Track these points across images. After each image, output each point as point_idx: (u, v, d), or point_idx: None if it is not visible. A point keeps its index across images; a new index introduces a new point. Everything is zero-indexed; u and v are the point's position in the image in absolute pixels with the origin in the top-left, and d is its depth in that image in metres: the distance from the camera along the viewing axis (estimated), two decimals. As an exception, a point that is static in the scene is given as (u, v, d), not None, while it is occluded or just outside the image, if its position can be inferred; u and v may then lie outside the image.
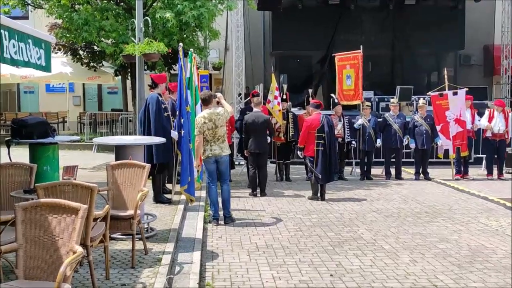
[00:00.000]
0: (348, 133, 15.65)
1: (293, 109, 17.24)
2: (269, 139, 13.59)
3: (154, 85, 11.17)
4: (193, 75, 10.38)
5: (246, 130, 13.13)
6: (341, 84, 17.34)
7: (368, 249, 8.56)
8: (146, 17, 14.77)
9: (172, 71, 21.34)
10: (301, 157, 13.22)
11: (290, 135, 15.09)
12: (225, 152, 10.13)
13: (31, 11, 20.49)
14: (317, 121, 12.40)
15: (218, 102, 10.89)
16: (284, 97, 15.62)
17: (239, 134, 15.29)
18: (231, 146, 12.58)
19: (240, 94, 20.38)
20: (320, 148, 12.40)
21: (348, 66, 17.02)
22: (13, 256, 4.90)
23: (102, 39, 17.45)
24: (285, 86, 17.94)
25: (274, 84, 15.37)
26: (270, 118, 14.02)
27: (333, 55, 18.42)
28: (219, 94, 10.90)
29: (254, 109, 13.29)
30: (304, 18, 24.92)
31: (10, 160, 8.33)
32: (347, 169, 16.63)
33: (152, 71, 19.26)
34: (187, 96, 9.85)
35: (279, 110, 15.10)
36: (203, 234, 9.28)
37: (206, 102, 10.14)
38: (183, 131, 9.74)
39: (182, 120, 9.79)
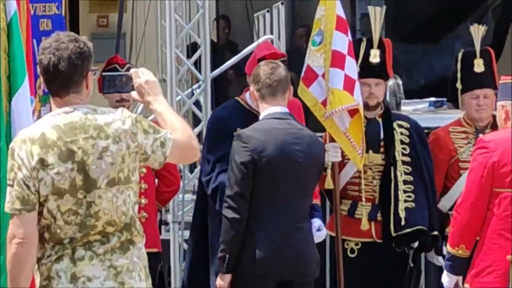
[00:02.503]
0: None
1: (407, 107, 7.66)
2: (320, 231, 4.56)
3: None
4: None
5: (247, 184, 4.11)
6: None
7: None
8: None
9: None
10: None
11: (401, 211, 4.77)
12: (137, 284, 3.06)
13: None
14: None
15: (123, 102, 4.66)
16: (375, 60, 4.89)
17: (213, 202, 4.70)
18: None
19: (194, 48, 7.15)
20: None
21: None
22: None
23: None
24: (376, 13, 5.40)
25: (332, 10, 4.77)
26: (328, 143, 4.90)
27: None
28: (144, 74, 3.01)
29: (269, 110, 4.23)
30: None
31: None
32: None
33: None
34: None
35: (355, 111, 4.77)
36: None
37: (61, 82, 2.89)
38: None
39: None
